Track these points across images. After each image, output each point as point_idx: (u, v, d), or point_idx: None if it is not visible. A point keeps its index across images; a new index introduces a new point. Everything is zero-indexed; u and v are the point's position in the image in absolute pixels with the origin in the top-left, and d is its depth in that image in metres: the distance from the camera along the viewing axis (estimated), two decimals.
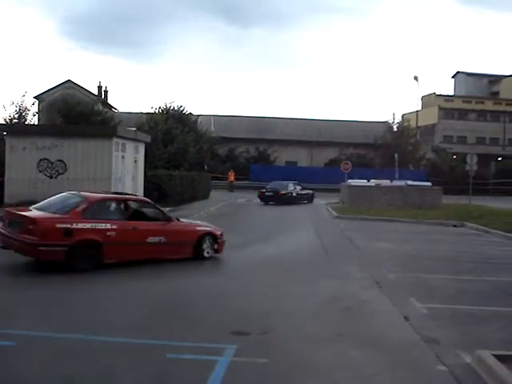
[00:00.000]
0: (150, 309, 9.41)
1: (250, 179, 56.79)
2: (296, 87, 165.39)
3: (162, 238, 13.22)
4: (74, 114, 31.73)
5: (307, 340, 7.90)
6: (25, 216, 12.13)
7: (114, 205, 13.20)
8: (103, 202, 13.15)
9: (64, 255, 11.64)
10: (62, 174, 21.94)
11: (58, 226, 11.71)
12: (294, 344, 7.70)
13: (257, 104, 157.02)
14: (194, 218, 24.42)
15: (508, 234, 21.30)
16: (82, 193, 13.42)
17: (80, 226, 11.88)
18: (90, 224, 12.06)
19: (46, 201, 13.15)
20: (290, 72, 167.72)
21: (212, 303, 9.92)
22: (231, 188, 51.23)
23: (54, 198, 13.31)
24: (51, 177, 21.94)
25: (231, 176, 52.91)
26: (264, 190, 38.02)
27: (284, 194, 37.23)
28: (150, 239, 13.02)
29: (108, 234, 12.24)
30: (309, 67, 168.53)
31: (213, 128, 57.81)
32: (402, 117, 70.16)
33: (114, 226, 12.40)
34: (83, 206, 12.34)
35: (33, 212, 12.49)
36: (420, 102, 72.27)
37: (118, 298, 10.21)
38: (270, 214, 30.66)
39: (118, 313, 9.17)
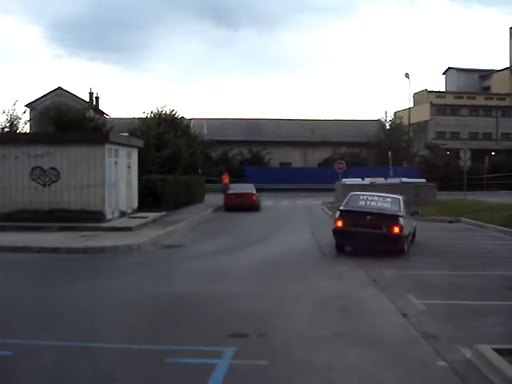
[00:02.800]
0: (147, 313, 9.37)
1: (245, 181, 56.64)
2: (287, 88, 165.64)
3: None
4: (65, 121, 31.59)
5: (306, 340, 7.86)
6: None
7: None
8: None
9: None
10: (55, 181, 21.79)
11: None
12: (292, 345, 7.66)
13: (249, 106, 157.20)
14: (189, 222, 24.45)
15: (504, 228, 21.31)
16: None
17: None
18: None
19: None
20: (280, 73, 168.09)
21: (209, 306, 9.87)
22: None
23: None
24: (44, 185, 21.79)
25: (225, 179, 52.75)
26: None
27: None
28: None
29: None
30: (299, 67, 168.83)
31: (205, 131, 57.72)
32: (395, 114, 70.16)
33: None
34: None
35: None
36: (412, 99, 72.53)
37: (114, 302, 10.16)
38: (265, 215, 30.62)
39: (115, 317, 9.12)
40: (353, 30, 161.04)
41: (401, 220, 15.51)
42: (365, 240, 15.55)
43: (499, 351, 6.68)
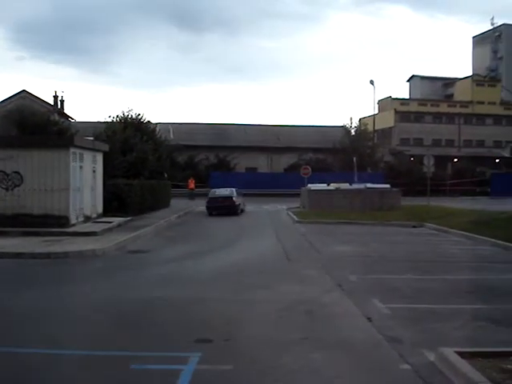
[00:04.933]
0: (112, 319, 9.30)
1: (210, 186, 56.55)
2: (254, 93, 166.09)
3: None
4: (29, 124, 31.19)
5: (271, 345, 7.88)
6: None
7: None
8: None
9: None
10: (18, 185, 21.47)
11: None
12: (258, 349, 7.68)
13: (215, 111, 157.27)
14: (154, 227, 24.31)
15: (466, 233, 21.66)
16: None
17: None
18: None
19: None
20: (247, 78, 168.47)
21: (174, 311, 9.84)
22: (192, 196, 50.93)
23: None
24: (7, 189, 21.45)
25: (191, 183, 52.60)
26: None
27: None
28: None
29: None
30: (266, 73, 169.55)
31: (172, 136, 57.51)
32: (360, 121, 70.92)
33: None
34: None
35: None
36: (376, 106, 73.38)
37: (78, 308, 10.04)
38: (231, 221, 30.62)
39: (79, 324, 9.02)
40: (319, 37, 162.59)
41: (234, 197, 33.99)
42: (221, 209, 33.06)
43: (462, 354, 6.79)
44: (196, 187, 53.27)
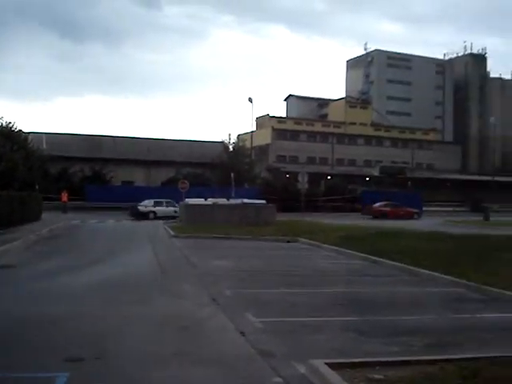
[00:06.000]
0: None
1: (86, 200, 54.99)
2: (135, 106, 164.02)
3: None
4: None
5: (144, 362, 7.70)
6: None
7: None
8: None
9: None
10: None
11: None
12: (131, 367, 7.47)
13: (92, 122, 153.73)
14: (24, 241, 23.22)
15: (337, 248, 22.41)
16: None
17: None
18: None
19: None
20: (128, 90, 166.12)
21: (42, 329, 9.38)
22: (65, 209, 49.27)
23: None
24: None
25: (64, 196, 50.85)
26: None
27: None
28: None
29: None
30: (148, 86, 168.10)
31: (44, 146, 55.43)
32: (238, 137, 71.88)
33: None
34: None
35: None
36: (255, 123, 74.77)
37: None
38: (105, 234, 29.92)
39: None
40: (202, 52, 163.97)
41: (140, 207, 44.10)
42: (134, 215, 43.39)
43: (331, 365, 6.97)
44: (70, 200, 51.60)
